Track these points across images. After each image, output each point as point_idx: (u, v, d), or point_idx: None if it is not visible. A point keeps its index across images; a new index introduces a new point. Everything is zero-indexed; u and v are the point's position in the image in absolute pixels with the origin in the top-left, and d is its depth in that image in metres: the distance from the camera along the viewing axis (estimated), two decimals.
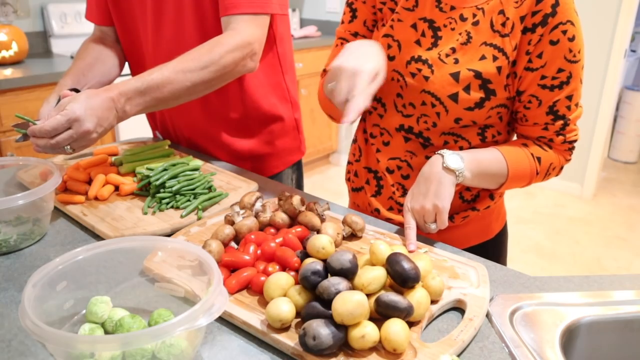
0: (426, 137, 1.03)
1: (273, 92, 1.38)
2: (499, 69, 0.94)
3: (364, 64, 0.86)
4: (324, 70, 1.16)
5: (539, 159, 0.99)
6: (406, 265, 0.73)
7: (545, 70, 0.93)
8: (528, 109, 0.98)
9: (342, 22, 1.12)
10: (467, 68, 0.95)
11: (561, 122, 0.97)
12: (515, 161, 0.98)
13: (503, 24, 0.93)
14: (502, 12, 0.93)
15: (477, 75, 0.94)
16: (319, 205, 0.99)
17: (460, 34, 0.96)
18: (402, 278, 0.73)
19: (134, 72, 1.43)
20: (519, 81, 0.96)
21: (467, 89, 0.95)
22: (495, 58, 0.94)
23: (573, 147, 1.01)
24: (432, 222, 0.94)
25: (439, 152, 0.95)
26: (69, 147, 1.02)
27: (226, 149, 1.40)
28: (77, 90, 1.21)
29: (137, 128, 2.74)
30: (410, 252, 0.90)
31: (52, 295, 0.68)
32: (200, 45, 1.14)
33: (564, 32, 0.90)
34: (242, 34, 1.15)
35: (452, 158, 0.93)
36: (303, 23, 4.31)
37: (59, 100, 1.17)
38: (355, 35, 1.10)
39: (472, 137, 1.02)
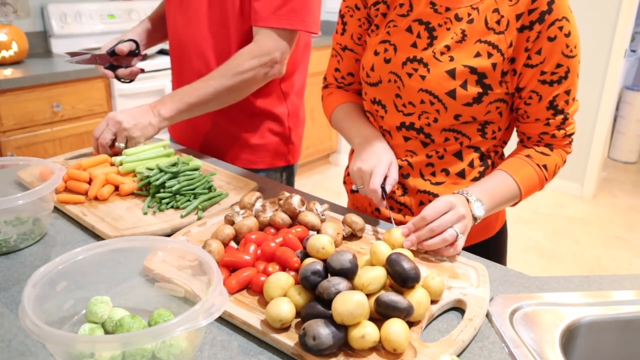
0: (427, 134, 1.03)
1: (265, 89, 1.38)
2: (493, 65, 0.95)
3: (377, 163, 0.99)
4: (325, 79, 1.23)
5: (545, 166, 1.01)
6: (406, 265, 0.73)
7: (544, 66, 0.95)
8: (529, 104, 0.99)
9: (336, 32, 1.16)
10: (462, 64, 0.96)
11: (561, 116, 0.99)
12: (524, 178, 1.00)
13: (498, 22, 0.95)
14: (496, 10, 0.95)
15: (473, 70, 0.96)
16: (319, 205, 0.99)
17: (455, 32, 0.97)
18: (402, 278, 0.73)
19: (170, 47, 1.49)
20: (519, 78, 0.98)
21: (464, 85, 0.96)
22: (490, 55, 0.95)
23: (572, 140, 1.04)
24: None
25: (463, 193, 0.95)
26: (121, 143, 1.22)
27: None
28: (134, 41, 1.42)
29: None
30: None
31: (52, 295, 0.68)
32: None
33: (560, 28, 0.93)
34: (262, 46, 1.24)
35: (477, 206, 0.94)
36: None
37: (117, 44, 1.38)
38: (344, 49, 1.15)
39: (472, 134, 1.02)
